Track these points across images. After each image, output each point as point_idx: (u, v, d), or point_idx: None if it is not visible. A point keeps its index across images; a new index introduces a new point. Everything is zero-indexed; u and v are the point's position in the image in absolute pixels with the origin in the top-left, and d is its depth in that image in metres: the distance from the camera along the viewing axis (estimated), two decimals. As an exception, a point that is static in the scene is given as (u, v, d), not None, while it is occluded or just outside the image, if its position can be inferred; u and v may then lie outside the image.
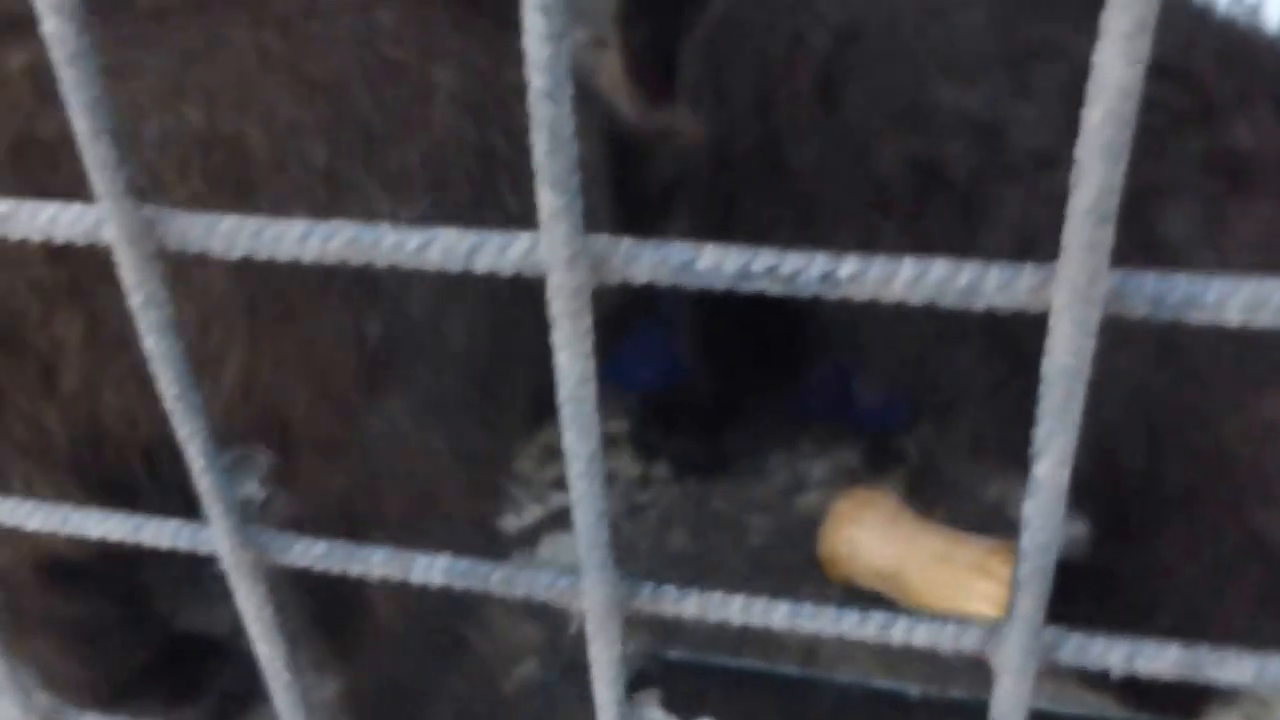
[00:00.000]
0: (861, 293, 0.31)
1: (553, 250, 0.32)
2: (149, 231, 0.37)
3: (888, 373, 1.38)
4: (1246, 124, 1.03)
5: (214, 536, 0.40)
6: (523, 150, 1.11)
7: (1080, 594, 1.37)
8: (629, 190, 1.24)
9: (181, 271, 0.95)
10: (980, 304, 0.30)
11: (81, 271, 0.94)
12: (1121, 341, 1.08)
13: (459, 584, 0.38)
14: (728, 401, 1.74)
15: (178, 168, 0.94)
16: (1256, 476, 1.08)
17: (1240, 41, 1.11)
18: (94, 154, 0.35)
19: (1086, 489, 1.23)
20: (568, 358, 0.34)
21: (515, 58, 1.00)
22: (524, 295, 1.13)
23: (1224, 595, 1.18)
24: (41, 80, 0.92)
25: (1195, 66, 1.06)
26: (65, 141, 1.02)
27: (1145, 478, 1.13)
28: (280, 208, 0.97)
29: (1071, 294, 0.29)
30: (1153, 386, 1.08)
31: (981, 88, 1.13)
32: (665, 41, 1.55)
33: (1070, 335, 0.30)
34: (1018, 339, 1.15)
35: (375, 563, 0.39)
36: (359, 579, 1.20)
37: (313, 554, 0.40)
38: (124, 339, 0.92)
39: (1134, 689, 1.26)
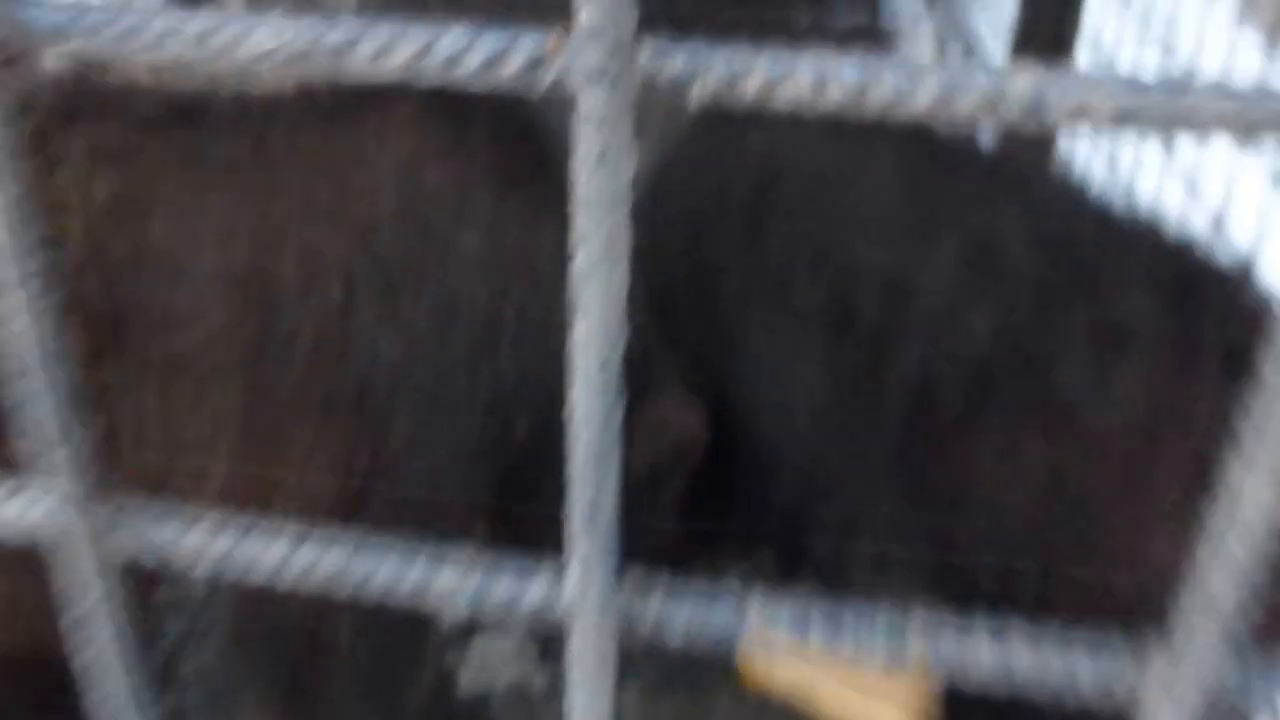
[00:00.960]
0: (938, 659, 0.28)
1: (580, 601, 0.28)
2: (109, 532, 0.31)
3: (792, 487, 1.38)
4: (1123, 300, 1.08)
5: None
6: (527, 322, 1.08)
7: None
8: None
9: (180, 368, 1.01)
10: (1070, 693, 0.28)
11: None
12: (1016, 487, 1.10)
13: None
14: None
15: (220, 300, 1.02)
16: (1139, 620, 1.08)
17: (1116, 223, 1.18)
18: (58, 457, 0.30)
19: (985, 609, 1.24)
20: (584, 702, 0.29)
21: (543, 232, 0.99)
22: (502, 442, 1.14)
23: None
24: None
25: (1083, 244, 1.13)
26: None
27: (1038, 612, 1.13)
28: (295, 338, 1.03)
29: (1168, 690, 0.26)
30: (1047, 532, 1.09)
31: (888, 249, 1.18)
32: None
33: (1165, 728, 0.27)
34: (925, 470, 1.15)
35: None
36: (316, 643, 1.14)
37: None
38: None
39: None
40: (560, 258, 1.08)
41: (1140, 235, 1.19)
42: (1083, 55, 1.95)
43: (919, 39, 3.33)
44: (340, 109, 1.09)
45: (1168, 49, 1.60)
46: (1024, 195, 1.20)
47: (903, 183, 1.25)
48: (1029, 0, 1.93)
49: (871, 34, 3.19)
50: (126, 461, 0.99)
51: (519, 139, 1.15)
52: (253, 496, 1.05)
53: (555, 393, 1.20)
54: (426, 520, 1.10)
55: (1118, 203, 1.26)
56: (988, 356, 1.09)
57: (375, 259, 1.06)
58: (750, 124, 1.41)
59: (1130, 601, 1.04)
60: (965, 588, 1.20)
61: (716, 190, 1.37)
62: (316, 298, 1.04)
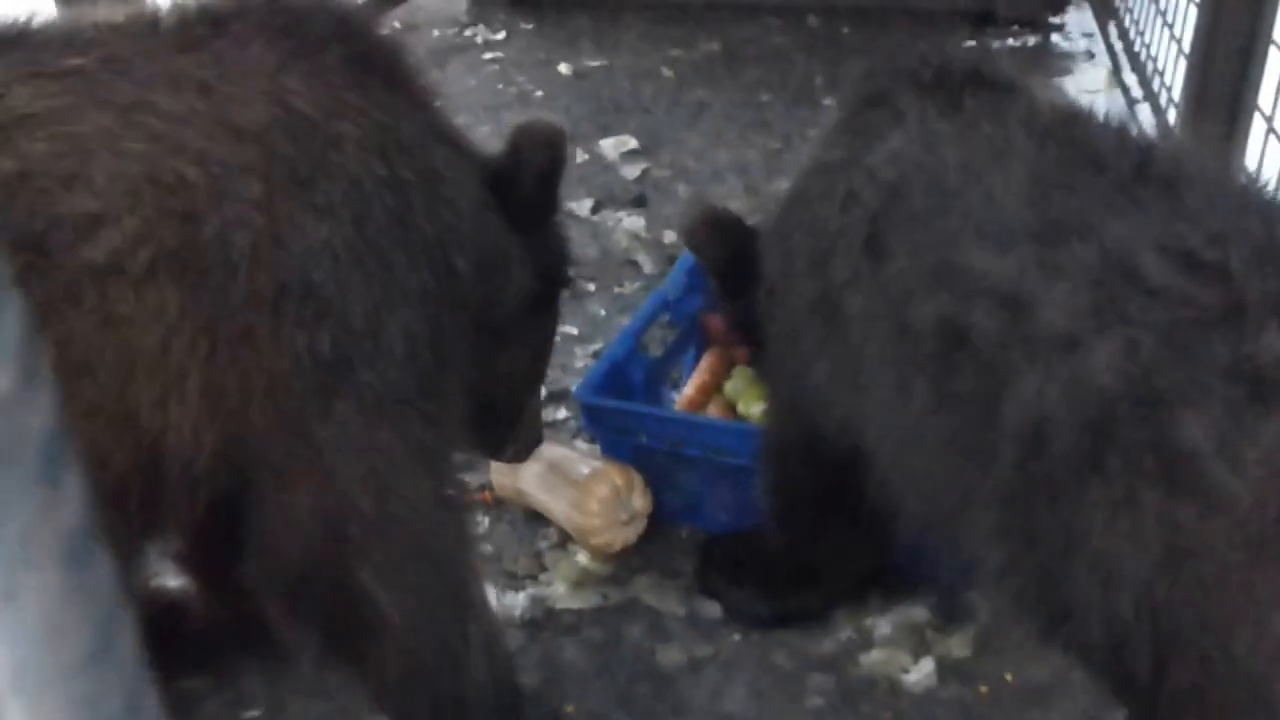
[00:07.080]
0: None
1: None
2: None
3: (929, 532, 1.35)
4: (1277, 330, 0.95)
5: None
6: (428, 179, 1.20)
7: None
8: None
9: (138, 286, 1.06)
10: None
11: (55, 293, 1.04)
12: (1129, 540, 1.01)
13: None
14: (800, 560, 1.70)
15: (128, 201, 1.07)
16: (1264, 691, 1.00)
17: None
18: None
19: (1104, 677, 1.16)
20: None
21: (405, 112, 1.17)
22: (454, 305, 1.26)
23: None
24: None
25: (1231, 262, 0.99)
26: None
27: (1153, 675, 1.07)
28: (225, 233, 1.10)
29: None
30: (1159, 589, 1.01)
31: (1011, 257, 1.09)
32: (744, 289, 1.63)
33: None
34: (1032, 518, 1.08)
35: None
36: (365, 599, 1.19)
37: None
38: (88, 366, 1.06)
39: None
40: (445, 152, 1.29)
41: None
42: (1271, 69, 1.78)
43: (1093, 63, 3.09)
44: (187, 34, 1.16)
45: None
46: (1175, 200, 1.07)
47: (1032, 179, 1.15)
48: (1211, 18, 1.80)
49: (1042, 58, 3.03)
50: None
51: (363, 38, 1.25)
52: (225, 392, 1.11)
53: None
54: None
55: None
56: (1109, 393, 0.99)
57: (274, 156, 1.12)
58: (884, 127, 1.36)
59: (1250, 677, 0.99)
60: (1076, 648, 1.13)
61: (844, 201, 1.33)
62: (231, 194, 1.10)
